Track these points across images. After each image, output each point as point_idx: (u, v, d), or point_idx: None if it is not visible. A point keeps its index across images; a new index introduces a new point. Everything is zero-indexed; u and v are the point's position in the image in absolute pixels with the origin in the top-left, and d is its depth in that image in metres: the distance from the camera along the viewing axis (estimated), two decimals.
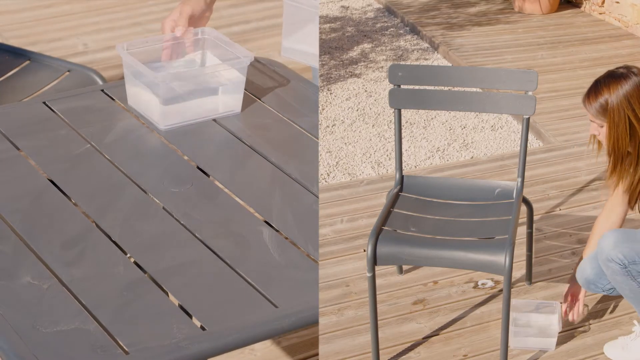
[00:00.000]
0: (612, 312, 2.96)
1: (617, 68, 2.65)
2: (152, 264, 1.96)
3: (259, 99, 2.60)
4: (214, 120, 2.50)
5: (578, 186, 3.78)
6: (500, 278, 3.13)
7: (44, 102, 2.56)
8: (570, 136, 4.24)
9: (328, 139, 4.56)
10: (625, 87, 2.57)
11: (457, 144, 4.47)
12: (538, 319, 2.89)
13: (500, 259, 2.53)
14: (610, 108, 2.57)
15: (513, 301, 2.92)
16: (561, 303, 2.85)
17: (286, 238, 2.06)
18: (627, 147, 2.59)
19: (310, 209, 2.17)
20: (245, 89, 2.54)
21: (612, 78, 2.61)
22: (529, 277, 3.13)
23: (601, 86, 2.60)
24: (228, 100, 2.52)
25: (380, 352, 2.80)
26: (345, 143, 4.53)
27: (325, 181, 4.12)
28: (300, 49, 2.71)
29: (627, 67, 2.63)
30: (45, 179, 2.23)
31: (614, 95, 2.57)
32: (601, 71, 2.69)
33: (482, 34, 5.79)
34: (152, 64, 2.51)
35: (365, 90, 5.15)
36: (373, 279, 2.62)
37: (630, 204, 2.71)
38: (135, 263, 1.97)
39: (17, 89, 3.19)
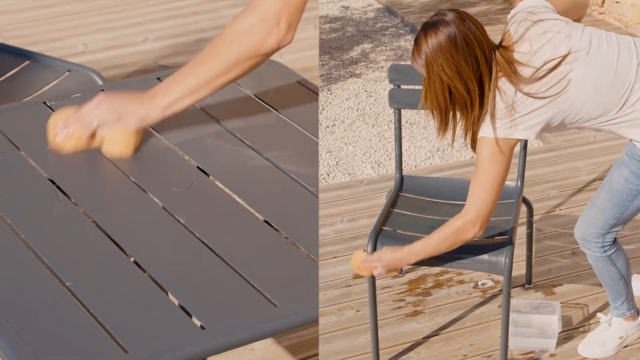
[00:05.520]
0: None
1: (434, 14, 2.34)
2: (152, 263, 1.96)
3: (259, 99, 2.60)
4: (214, 120, 2.50)
5: (578, 186, 3.77)
6: (500, 278, 3.13)
7: (44, 102, 2.55)
8: (570, 136, 4.24)
9: (328, 139, 4.56)
10: (434, 41, 2.28)
11: (457, 144, 4.47)
12: (538, 319, 2.89)
13: (500, 259, 2.53)
14: (426, 65, 2.28)
15: (513, 301, 2.92)
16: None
17: (286, 238, 2.06)
18: (448, 107, 2.32)
19: (310, 209, 2.16)
20: (245, 89, 2.53)
21: (425, 29, 2.30)
22: (528, 277, 3.12)
23: (419, 40, 2.30)
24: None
25: (380, 352, 2.80)
26: (345, 143, 4.53)
27: (325, 181, 4.12)
28: None
29: (442, 13, 2.32)
30: (45, 179, 2.23)
31: (427, 50, 2.27)
32: None
33: None
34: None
35: (365, 90, 5.15)
36: (373, 279, 2.62)
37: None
38: (135, 263, 1.97)
39: (17, 89, 3.18)
